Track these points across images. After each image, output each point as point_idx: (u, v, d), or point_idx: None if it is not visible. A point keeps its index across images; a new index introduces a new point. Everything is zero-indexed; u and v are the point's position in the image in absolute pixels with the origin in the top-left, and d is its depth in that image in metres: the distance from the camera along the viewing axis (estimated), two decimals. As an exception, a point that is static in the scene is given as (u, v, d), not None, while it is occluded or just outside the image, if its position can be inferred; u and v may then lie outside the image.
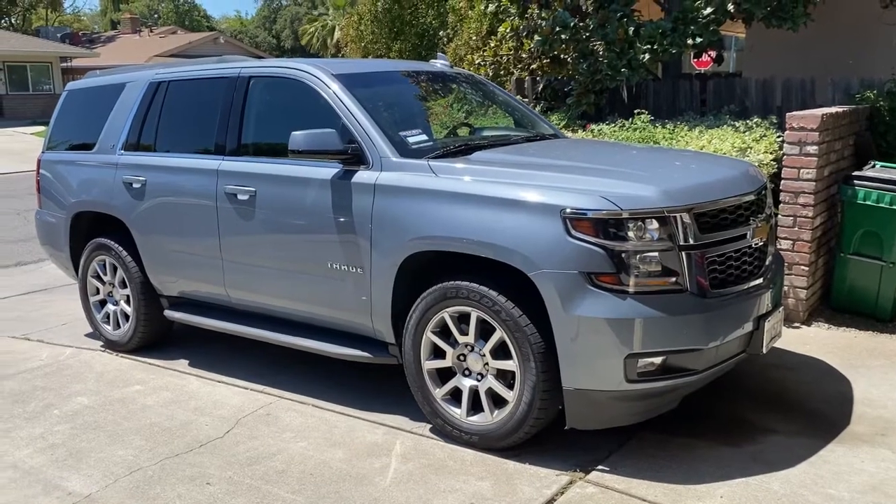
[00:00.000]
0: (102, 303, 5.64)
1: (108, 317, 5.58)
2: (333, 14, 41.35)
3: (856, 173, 5.47)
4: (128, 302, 5.41)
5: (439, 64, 5.44)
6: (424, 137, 4.25)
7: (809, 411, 4.07)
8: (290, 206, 4.32)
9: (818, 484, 3.36)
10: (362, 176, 4.03)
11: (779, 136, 5.93)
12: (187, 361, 5.22)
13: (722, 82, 7.44)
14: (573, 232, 3.36)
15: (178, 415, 4.34)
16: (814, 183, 5.30)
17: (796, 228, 5.38)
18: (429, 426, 4.00)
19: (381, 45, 14.09)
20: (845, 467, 3.50)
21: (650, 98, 7.62)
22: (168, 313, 5.20)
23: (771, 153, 5.73)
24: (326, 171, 4.15)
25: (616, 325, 3.32)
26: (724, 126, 6.24)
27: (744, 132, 6.19)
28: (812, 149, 5.27)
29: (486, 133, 4.94)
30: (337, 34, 37.01)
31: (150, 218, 5.06)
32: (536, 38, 7.02)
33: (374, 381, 4.63)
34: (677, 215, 3.41)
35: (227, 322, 4.82)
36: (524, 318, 3.49)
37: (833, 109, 5.63)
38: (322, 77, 4.35)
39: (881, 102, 6.44)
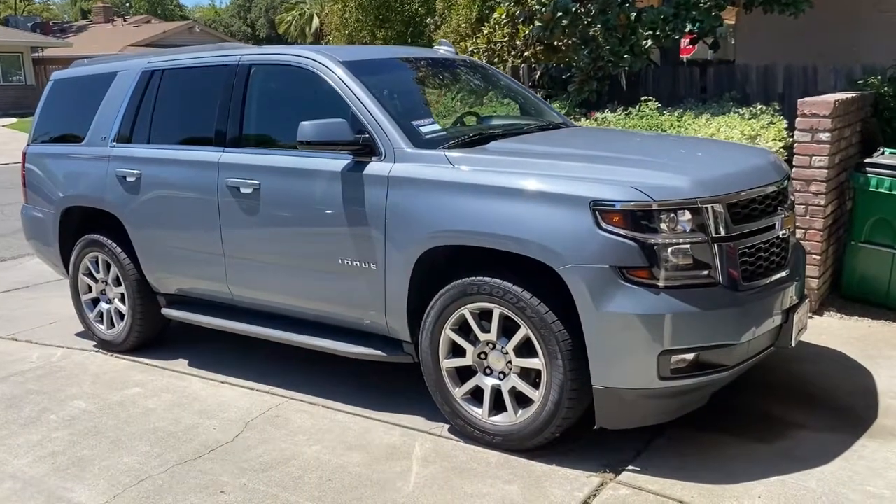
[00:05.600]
0: (95, 301, 5.43)
1: (101, 316, 5.37)
2: (311, 2, 40.80)
3: (867, 160, 5.40)
4: (122, 300, 5.20)
5: (442, 50, 5.28)
6: (437, 127, 4.10)
7: (835, 405, 3.99)
8: (298, 200, 4.15)
9: (855, 481, 3.27)
10: (374, 167, 3.86)
11: (786, 124, 5.84)
12: (186, 361, 5.04)
13: (722, 69, 7.35)
14: (603, 224, 3.23)
15: (182, 418, 4.16)
16: (826, 171, 5.21)
17: (808, 217, 5.29)
18: (446, 426, 3.86)
19: (366, 33, 13.83)
20: (880, 463, 3.41)
21: (650, 85, 7.51)
22: (166, 311, 5.01)
23: (780, 140, 5.64)
24: (335, 162, 3.98)
25: (649, 321, 3.19)
26: (731, 113, 6.14)
27: (749, 119, 6.09)
28: (824, 136, 5.17)
29: (495, 122, 4.78)
30: (315, 22, 36.55)
31: (145, 213, 4.85)
32: (537, 24, 6.87)
33: (384, 379, 4.48)
34: (710, 206, 3.29)
35: (230, 320, 4.63)
36: (551, 315, 3.35)
37: (843, 95, 5.55)
38: (328, 64, 4.17)
39: (885, 89, 6.37)
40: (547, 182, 3.38)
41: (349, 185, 3.92)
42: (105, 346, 5.34)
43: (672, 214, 3.24)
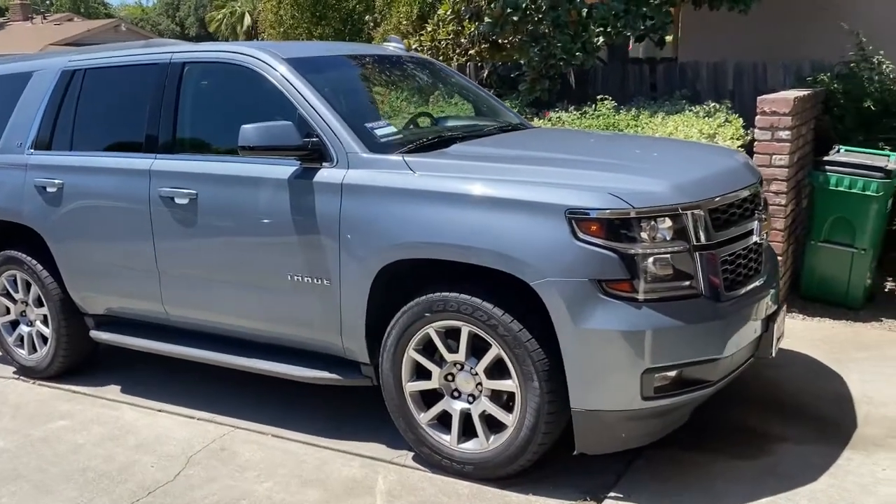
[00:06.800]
0: (14, 324, 4.94)
1: (21, 339, 4.89)
2: (242, 0, 39.76)
3: (826, 158, 5.32)
4: (45, 322, 4.73)
5: (392, 47, 4.97)
6: (393, 129, 3.80)
7: (812, 414, 3.84)
8: (240, 211, 3.79)
9: (846, 499, 3.11)
10: (326, 174, 3.53)
11: (743, 122, 5.74)
12: (119, 387, 4.60)
13: (672, 66, 7.23)
14: (580, 234, 2.98)
15: (116, 455, 3.76)
16: (786, 169, 5.10)
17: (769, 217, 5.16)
18: (410, 454, 3.57)
19: (302, 31, 13.33)
20: (868, 477, 3.26)
21: (598, 83, 7.33)
22: (94, 334, 4.56)
23: (738, 139, 5.51)
24: (281, 169, 3.64)
25: (631, 338, 2.96)
26: (686, 112, 6.00)
27: (703, 117, 5.96)
28: (784, 134, 5.06)
29: (451, 123, 4.49)
30: (247, 21, 35.63)
31: (69, 226, 4.41)
32: (486, 20, 6.62)
33: (338, 404, 4.14)
34: (691, 212, 3.08)
35: (167, 343, 4.23)
36: (525, 333, 3.09)
37: (801, 92, 5.46)
38: (270, 62, 3.82)
39: (835, 86, 6.33)
40: (517, 189, 3.12)
41: (297, 193, 3.59)
42: (26, 372, 4.87)
43: (652, 222, 3.02)
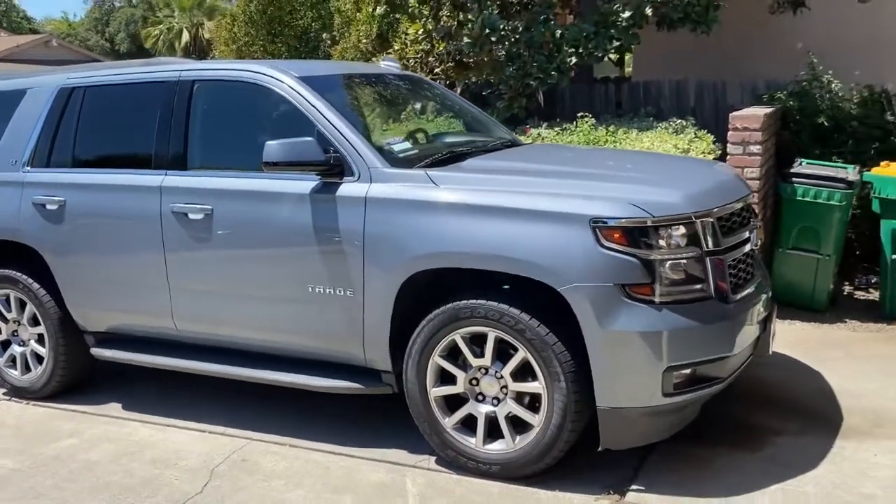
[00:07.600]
0: (5, 344, 4.85)
1: (13, 359, 4.81)
2: (179, 16, 39.19)
3: (792, 171, 5.67)
4: (40, 341, 4.67)
5: (384, 65, 5.12)
6: (409, 145, 3.95)
7: (802, 408, 4.12)
8: (258, 225, 3.87)
9: (848, 483, 3.36)
10: (348, 189, 3.65)
11: (713, 138, 6.07)
12: (120, 404, 4.58)
13: (638, 85, 7.57)
14: (604, 242, 3.18)
15: (134, 470, 3.76)
16: (757, 182, 5.44)
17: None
18: (433, 458, 3.69)
19: (257, 48, 13.32)
20: (862, 463, 3.53)
21: (566, 101, 7.62)
22: (97, 351, 4.53)
23: (710, 153, 5.83)
24: (301, 184, 3.74)
25: (654, 338, 3.17)
26: (659, 129, 6.30)
27: (672, 133, 6.27)
28: (756, 148, 5.41)
29: (450, 139, 4.65)
30: (185, 37, 35.13)
31: (72, 244, 4.39)
32: (466, 40, 6.82)
33: (351, 413, 4.22)
34: (702, 220, 3.32)
35: (179, 358, 4.23)
36: (552, 336, 3.27)
37: (767, 109, 5.83)
38: (286, 80, 3.92)
39: (791, 102, 6.74)
40: (542, 200, 3.31)
41: (319, 207, 3.69)
42: (19, 393, 4.79)
43: (669, 230, 3.24)
